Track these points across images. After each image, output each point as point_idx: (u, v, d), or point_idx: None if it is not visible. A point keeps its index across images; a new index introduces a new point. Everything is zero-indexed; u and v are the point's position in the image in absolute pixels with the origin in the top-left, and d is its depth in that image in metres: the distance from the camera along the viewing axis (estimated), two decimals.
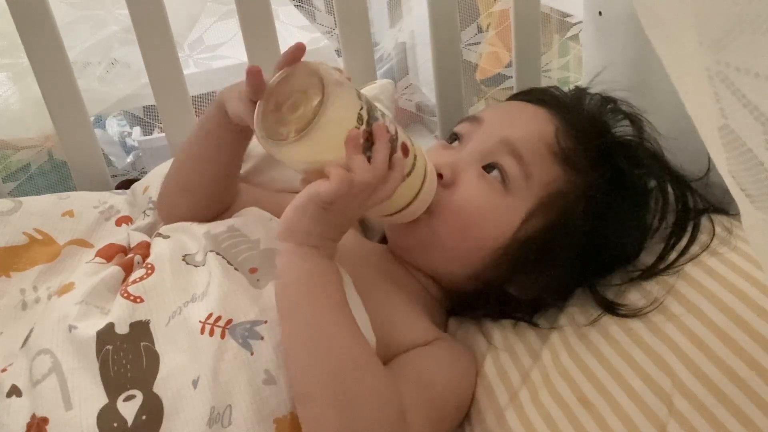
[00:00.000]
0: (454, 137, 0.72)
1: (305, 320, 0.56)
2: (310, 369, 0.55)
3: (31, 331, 0.63)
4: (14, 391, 0.58)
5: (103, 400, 0.56)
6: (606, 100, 0.74)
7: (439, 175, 0.66)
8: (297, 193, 0.58)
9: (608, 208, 0.67)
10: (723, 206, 0.69)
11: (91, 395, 0.56)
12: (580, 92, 0.76)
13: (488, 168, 0.67)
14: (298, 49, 0.58)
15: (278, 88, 0.58)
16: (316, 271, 0.58)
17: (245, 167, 0.85)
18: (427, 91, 1.35)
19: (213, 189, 0.73)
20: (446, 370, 0.63)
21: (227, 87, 0.66)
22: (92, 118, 1.06)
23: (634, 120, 0.73)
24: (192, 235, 0.69)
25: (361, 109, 0.56)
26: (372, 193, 0.57)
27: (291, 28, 1.31)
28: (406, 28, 1.36)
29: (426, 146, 0.74)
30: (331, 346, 0.55)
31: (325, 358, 0.55)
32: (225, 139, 0.70)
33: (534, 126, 0.69)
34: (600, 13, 0.91)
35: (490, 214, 0.66)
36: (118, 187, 0.97)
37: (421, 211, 0.65)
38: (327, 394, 0.53)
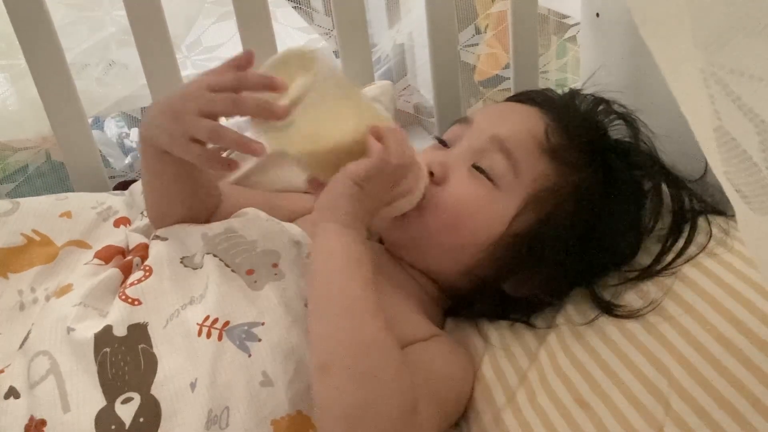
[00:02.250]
0: (446, 139, 0.73)
1: (341, 292, 0.55)
2: (336, 338, 0.53)
3: (29, 333, 0.63)
4: (12, 393, 0.58)
5: (101, 402, 0.56)
6: (599, 100, 0.74)
7: (430, 173, 0.67)
8: (296, 192, 0.58)
9: (601, 206, 0.67)
10: (720, 207, 0.69)
11: (89, 397, 0.56)
12: (573, 93, 0.76)
13: (478, 165, 0.67)
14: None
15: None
16: (356, 250, 0.58)
17: (247, 166, 0.85)
18: (426, 93, 1.35)
19: (186, 206, 0.72)
20: (448, 365, 0.63)
21: (144, 127, 0.65)
22: (90, 120, 1.06)
23: (628, 120, 0.73)
24: (190, 237, 0.69)
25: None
26: (396, 181, 0.61)
27: (289, 30, 1.31)
28: (405, 30, 1.36)
29: (424, 148, 0.75)
30: (362, 321, 0.54)
31: (352, 331, 0.54)
32: (174, 172, 0.68)
33: (524, 123, 0.69)
34: (597, 14, 0.91)
35: (481, 209, 0.66)
36: (116, 188, 0.97)
37: (408, 208, 0.65)
38: (349, 365, 0.52)
